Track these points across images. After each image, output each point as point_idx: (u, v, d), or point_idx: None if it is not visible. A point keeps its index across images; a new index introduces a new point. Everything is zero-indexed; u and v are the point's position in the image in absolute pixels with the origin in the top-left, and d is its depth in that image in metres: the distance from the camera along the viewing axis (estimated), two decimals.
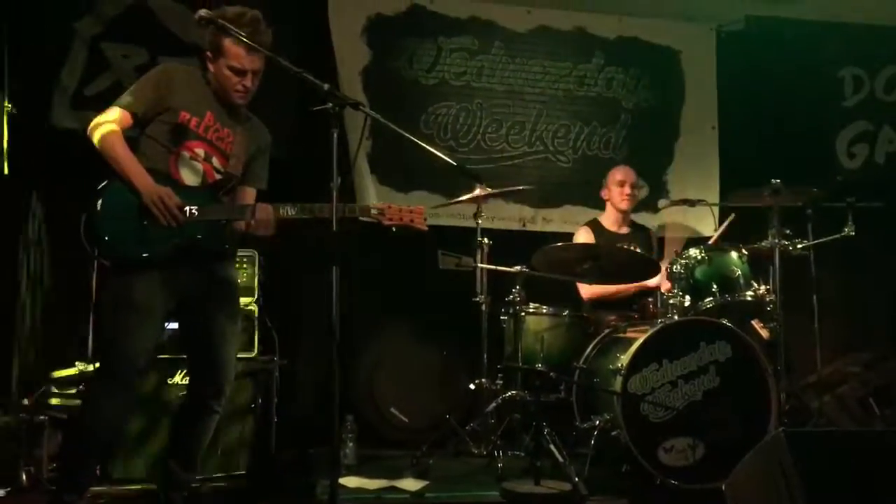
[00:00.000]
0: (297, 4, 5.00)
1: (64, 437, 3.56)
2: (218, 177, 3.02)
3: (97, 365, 3.04)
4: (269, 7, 4.79)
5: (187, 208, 2.89)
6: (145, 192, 2.84)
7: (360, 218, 3.05)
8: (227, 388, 3.06)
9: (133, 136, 2.98)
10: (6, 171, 4.43)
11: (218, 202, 3.01)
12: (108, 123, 2.88)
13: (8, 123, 4.48)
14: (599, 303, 4.64)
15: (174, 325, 3.36)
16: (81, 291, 4.19)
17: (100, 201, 2.85)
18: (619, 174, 4.83)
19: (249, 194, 3.17)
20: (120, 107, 2.93)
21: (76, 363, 3.92)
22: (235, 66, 2.97)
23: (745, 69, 5.52)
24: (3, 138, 4.43)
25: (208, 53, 3.01)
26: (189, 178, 2.99)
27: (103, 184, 2.89)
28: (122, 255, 2.85)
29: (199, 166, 3.00)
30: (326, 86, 2.70)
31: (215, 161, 3.03)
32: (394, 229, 3.08)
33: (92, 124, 2.91)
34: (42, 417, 3.62)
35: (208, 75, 3.06)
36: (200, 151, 3.00)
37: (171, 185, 2.90)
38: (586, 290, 4.66)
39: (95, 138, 2.88)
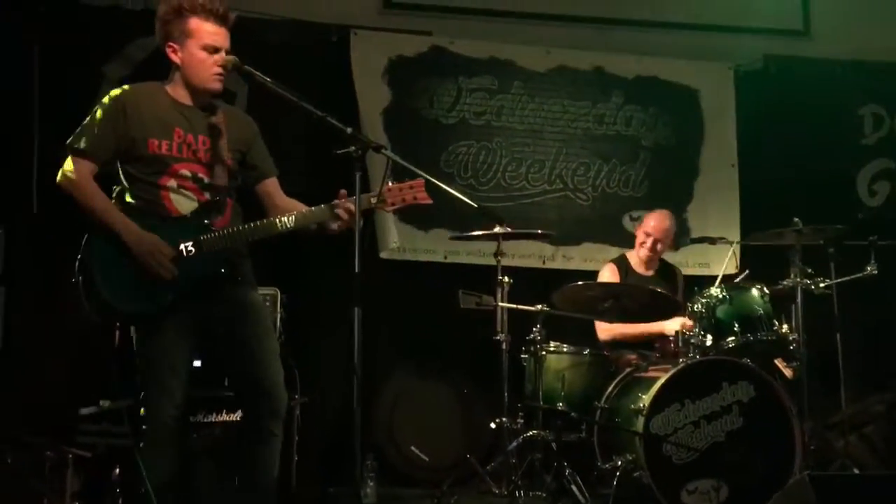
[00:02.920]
0: (318, 45, 5.10)
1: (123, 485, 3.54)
2: (206, 196, 2.84)
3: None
4: (292, 48, 4.97)
5: (182, 247, 2.74)
6: (136, 249, 2.69)
7: (366, 208, 2.83)
8: (280, 408, 2.88)
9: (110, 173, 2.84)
10: (35, 209, 4.52)
11: (211, 229, 2.81)
12: (75, 175, 2.74)
13: (38, 162, 4.58)
14: (616, 344, 4.61)
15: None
16: (105, 329, 4.24)
17: (92, 259, 2.71)
18: (648, 225, 4.71)
19: (272, 185, 3.03)
20: (81, 157, 2.75)
21: (100, 401, 3.95)
22: (209, 45, 2.80)
23: (765, 107, 5.52)
24: (33, 176, 4.53)
25: (171, 44, 2.83)
26: (185, 205, 2.82)
27: (86, 239, 2.75)
28: (131, 314, 2.76)
29: (190, 192, 2.83)
30: (349, 130, 2.71)
31: (202, 176, 2.85)
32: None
33: (60, 177, 2.77)
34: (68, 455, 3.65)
35: (169, 84, 2.88)
36: (187, 172, 2.83)
37: (170, 221, 2.78)
38: (603, 332, 4.63)
39: (67, 190, 2.75)
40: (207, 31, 2.81)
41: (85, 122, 2.83)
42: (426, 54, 5.24)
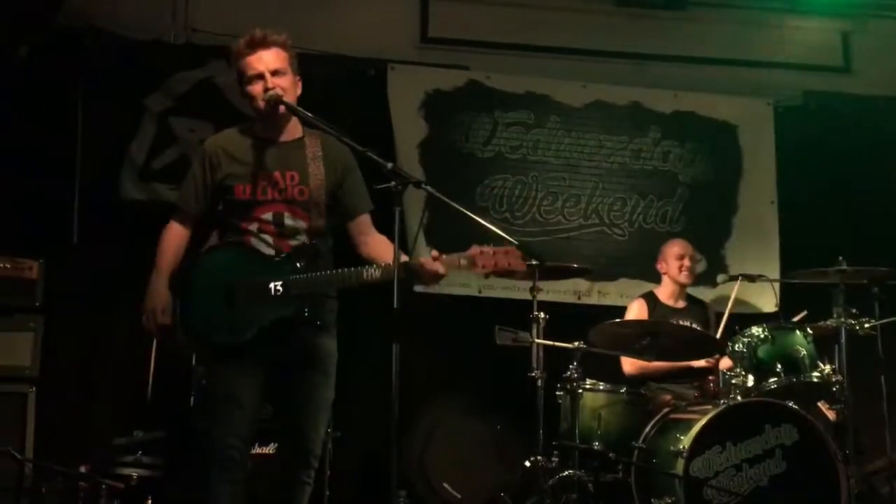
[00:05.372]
0: (356, 79, 5.13)
1: None
2: (287, 241, 2.83)
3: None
4: (330, 82, 5.01)
5: (272, 285, 2.74)
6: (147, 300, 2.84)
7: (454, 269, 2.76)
8: (313, 461, 2.88)
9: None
10: (75, 241, 4.57)
11: (302, 271, 2.80)
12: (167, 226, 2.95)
13: (79, 194, 4.65)
14: (642, 378, 4.51)
15: None
16: (143, 359, 4.26)
17: (190, 285, 2.81)
18: (676, 247, 4.76)
19: (364, 222, 3.00)
20: (173, 211, 2.98)
21: (134, 431, 3.95)
22: (252, 75, 2.84)
23: (805, 144, 5.46)
24: (74, 209, 4.58)
25: (243, 90, 2.91)
26: (264, 249, 2.84)
27: (187, 264, 2.87)
28: (212, 344, 2.81)
29: (268, 237, 2.83)
30: (390, 165, 2.68)
31: (287, 217, 2.85)
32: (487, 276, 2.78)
33: None
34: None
35: (252, 122, 2.95)
36: (268, 216, 2.84)
37: (252, 259, 2.81)
38: (629, 367, 4.55)
39: None
40: (249, 64, 2.86)
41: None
42: (463, 88, 5.26)
